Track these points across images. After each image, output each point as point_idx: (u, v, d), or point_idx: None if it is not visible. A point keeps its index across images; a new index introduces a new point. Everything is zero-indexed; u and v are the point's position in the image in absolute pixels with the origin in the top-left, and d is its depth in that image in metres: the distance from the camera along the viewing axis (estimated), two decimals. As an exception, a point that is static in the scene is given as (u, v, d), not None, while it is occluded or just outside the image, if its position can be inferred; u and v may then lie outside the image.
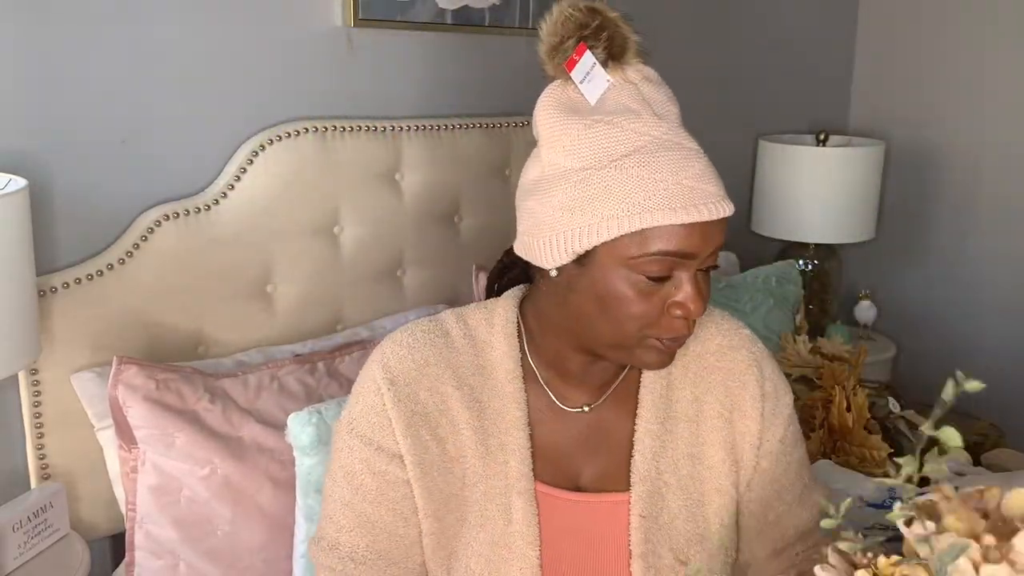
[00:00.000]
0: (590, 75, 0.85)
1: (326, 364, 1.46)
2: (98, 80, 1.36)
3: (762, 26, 2.44)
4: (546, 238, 0.86)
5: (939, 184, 2.61)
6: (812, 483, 1.02)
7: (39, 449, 1.33)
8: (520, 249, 0.92)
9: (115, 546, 1.46)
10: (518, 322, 0.96)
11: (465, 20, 1.74)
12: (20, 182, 1.16)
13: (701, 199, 0.82)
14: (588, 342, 0.90)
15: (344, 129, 1.58)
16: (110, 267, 1.37)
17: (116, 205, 1.40)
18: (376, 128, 1.62)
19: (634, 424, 0.95)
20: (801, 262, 2.37)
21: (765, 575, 0.99)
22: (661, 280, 0.84)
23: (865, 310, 2.50)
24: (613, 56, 0.86)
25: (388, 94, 1.68)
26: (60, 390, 1.33)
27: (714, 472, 0.96)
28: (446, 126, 1.73)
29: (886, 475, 1.74)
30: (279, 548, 1.32)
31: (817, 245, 2.41)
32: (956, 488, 0.57)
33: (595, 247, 0.84)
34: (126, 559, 1.30)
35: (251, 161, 1.49)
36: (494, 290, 1.04)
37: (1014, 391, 2.48)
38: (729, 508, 0.96)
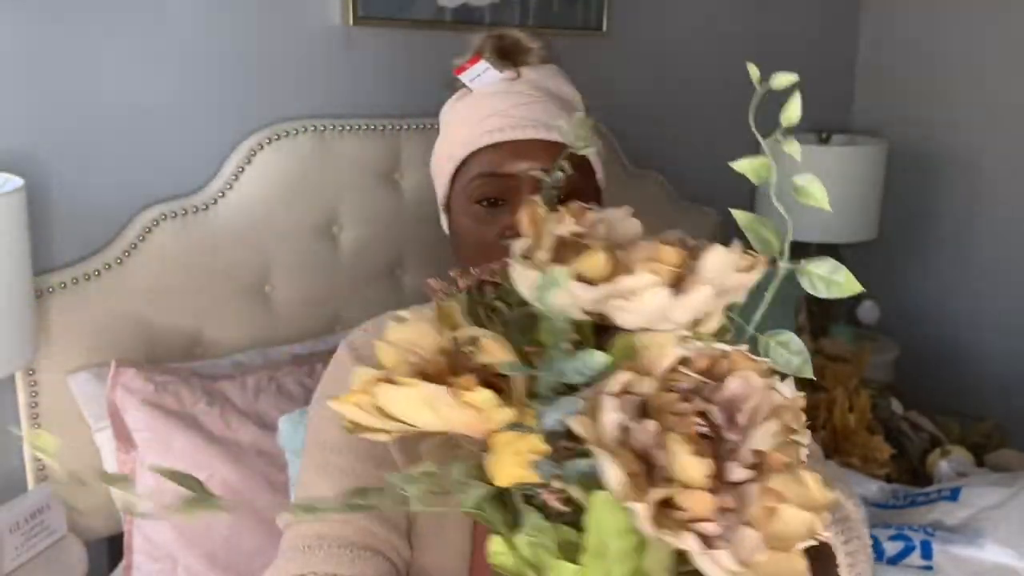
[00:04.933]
0: (480, 77, 0.96)
1: (325, 365, 1.45)
2: (95, 79, 1.35)
3: (763, 25, 2.43)
4: (439, 204, 1.00)
5: (942, 183, 2.60)
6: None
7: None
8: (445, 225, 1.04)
9: (112, 548, 1.45)
10: None
11: (465, 18, 1.73)
12: (17, 181, 1.16)
13: (514, 123, 0.90)
14: None
15: (343, 129, 1.58)
16: (107, 267, 1.36)
17: (113, 204, 1.39)
18: (375, 128, 1.62)
19: None
20: (802, 262, 2.36)
21: None
22: (493, 206, 0.91)
23: (867, 310, 2.49)
24: (502, 57, 0.97)
25: (387, 93, 1.68)
26: (57, 390, 1.32)
27: None
28: (446, 125, 1.72)
29: (889, 476, 1.73)
30: (277, 551, 1.31)
31: (819, 245, 2.40)
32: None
33: (449, 196, 0.96)
34: (124, 562, 1.30)
35: (249, 160, 1.48)
36: None
37: (1018, 392, 2.47)
38: None
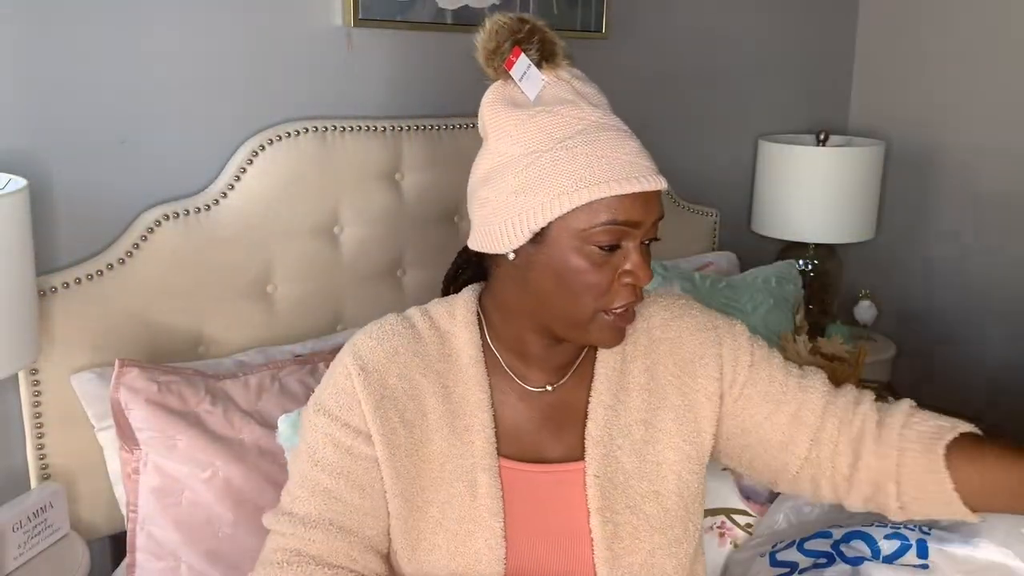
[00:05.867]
0: (527, 74, 0.94)
1: (327, 364, 1.45)
2: (98, 80, 1.36)
3: (762, 26, 2.44)
4: (502, 223, 0.93)
5: (939, 183, 2.61)
6: (802, 371, 1.08)
7: (39, 449, 1.33)
8: (475, 243, 0.98)
9: (115, 546, 1.46)
10: (478, 312, 1.03)
11: (465, 20, 1.74)
12: (20, 182, 1.17)
13: (640, 172, 0.90)
14: (547, 321, 0.96)
15: (344, 129, 1.58)
16: (110, 267, 1.37)
17: (116, 205, 1.40)
18: (376, 128, 1.62)
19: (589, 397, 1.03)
20: (801, 262, 2.37)
21: (819, 465, 1.03)
22: (611, 250, 0.91)
23: (865, 310, 2.50)
24: (545, 58, 0.94)
25: (388, 94, 1.69)
26: (60, 390, 1.33)
27: (667, 434, 1.02)
28: (446, 126, 1.72)
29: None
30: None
31: (817, 245, 2.41)
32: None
33: (549, 224, 0.91)
34: (127, 560, 1.30)
35: (251, 161, 1.49)
36: (448, 291, 1.11)
37: (1014, 391, 2.48)
38: (686, 464, 1.02)
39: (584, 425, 1.01)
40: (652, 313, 1.07)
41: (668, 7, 2.18)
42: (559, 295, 0.92)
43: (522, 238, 0.91)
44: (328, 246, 1.59)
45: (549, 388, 1.02)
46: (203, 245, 1.45)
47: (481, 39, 0.95)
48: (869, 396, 1.06)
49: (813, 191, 2.31)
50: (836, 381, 1.74)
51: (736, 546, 1.39)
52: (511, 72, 0.94)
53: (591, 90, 0.95)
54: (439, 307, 1.05)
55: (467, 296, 1.04)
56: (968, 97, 2.52)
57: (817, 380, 1.06)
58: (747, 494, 1.44)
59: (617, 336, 0.96)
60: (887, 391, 2.06)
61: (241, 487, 1.30)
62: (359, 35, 1.63)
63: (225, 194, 1.47)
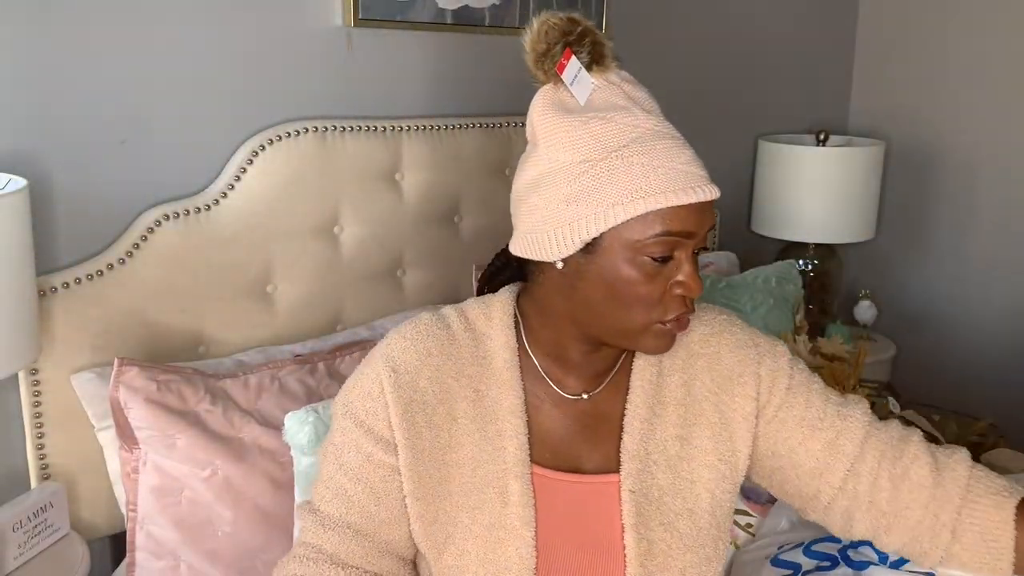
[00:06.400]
0: (577, 77, 0.92)
1: (326, 364, 1.46)
2: (98, 80, 1.36)
3: (762, 26, 2.44)
4: (552, 231, 0.91)
5: (939, 184, 2.61)
6: (844, 399, 1.05)
7: (39, 449, 1.33)
8: (519, 248, 0.96)
9: (115, 546, 1.46)
10: (515, 315, 1.01)
11: (465, 20, 1.74)
12: (20, 182, 1.17)
13: (695, 182, 0.89)
14: (595, 330, 0.94)
15: (344, 129, 1.58)
16: (110, 267, 1.37)
17: (116, 205, 1.40)
18: (376, 128, 1.62)
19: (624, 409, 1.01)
20: (801, 262, 2.37)
21: (862, 503, 1.00)
22: (664, 261, 0.89)
23: (865, 310, 2.50)
24: (595, 60, 0.92)
25: (388, 94, 1.69)
26: (60, 390, 1.33)
27: (702, 451, 1.00)
28: (446, 126, 1.73)
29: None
30: (279, 549, 1.32)
31: (817, 245, 2.41)
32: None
33: (602, 234, 0.89)
34: (127, 559, 1.30)
35: (251, 161, 1.49)
36: (484, 291, 1.08)
37: (1014, 391, 2.48)
38: (720, 483, 1.00)
39: (619, 437, 0.99)
40: (692, 328, 1.03)
41: (668, 7, 2.18)
42: (609, 305, 0.91)
43: (573, 247, 0.90)
44: (328, 246, 1.59)
45: (584, 396, 1.00)
46: (203, 245, 1.45)
47: (530, 40, 0.92)
48: (917, 434, 1.02)
49: (813, 191, 2.31)
50: (836, 381, 1.74)
51: (737, 546, 1.39)
52: (562, 76, 0.91)
53: (642, 94, 0.93)
54: (475, 307, 1.02)
55: (505, 297, 1.01)
56: (968, 97, 2.52)
57: (858, 409, 1.03)
58: (748, 494, 1.44)
59: (669, 343, 0.94)
60: (887, 391, 2.06)
61: (240, 486, 1.30)
62: (359, 35, 1.63)
63: (225, 194, 1.47)
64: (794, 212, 2.32)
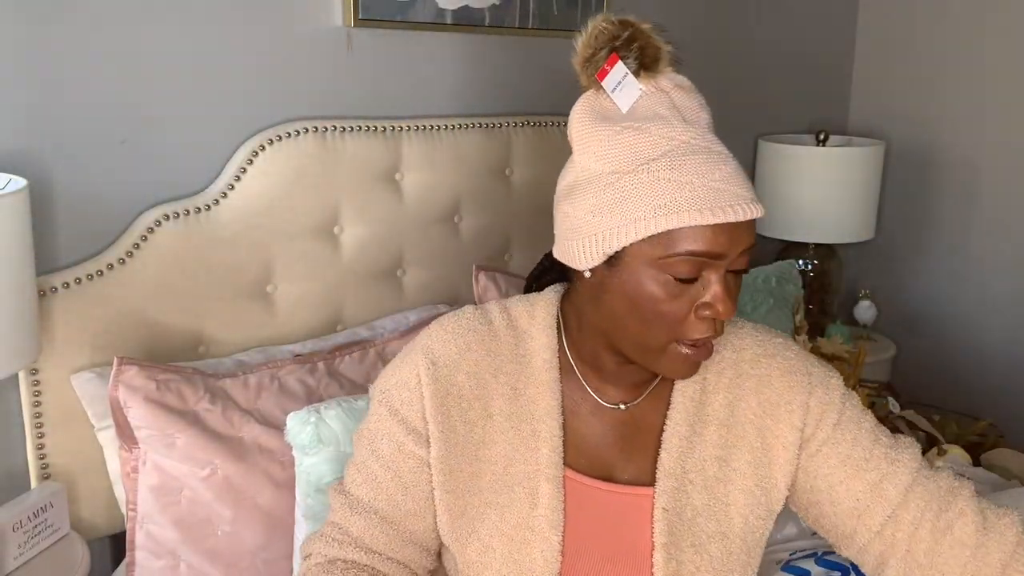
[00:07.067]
0: (621, 84, 0.88)
1: (326, 364, 1.46)
2: (98, 80, 1.36)
3: (762, 26, 2.44)
4: (579, 240, 0.90)
5: (939, 184, 2.61)
6: (895, 440, 1.00)
7: (39, 449, 1.33)
8: (557, 252, 0.95)
9: (115, 546, 1.46)
10: (558, 316, 1.00)
11: (465, 20, 1.74)
12: (20, 182, 1.17)
13: (728, 200, 0.84)
14: (618, 343, 0.92)
15: (344, 129, 1.58)
16: (110, 267, 1.37)
17: (116, 205, 1.40)
18: (376, 128, 1.63)
19: (664, 422, 0.98)
20: (801, 262, 2.37)
21: (898, 548, 0.96)
22: (689, 281, 0.86)
23: (865, 310, 2.50)
24: (645, 66, 0.89)
25: (388, 94, 1.69)
26: (60, 390, 1.33)
27: (740, 474, 0.97)
28: (446, 126, 1.73)
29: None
30: (279, 548, 1.32)
31: (817, 245, 2.41)
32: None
33: (624, 248, 0.86)
34: (127, 559, 1.31)
35: (251, 161, 1.49)
36: (532, 289, 1.07)
37: (1013, 391, 2.48)
38: (755, 509, 0.97)
39: (656, 451, 0.97)
40: (745, 346, 1.01)
41: (667, 7, 2.18)
42: (631, 320, 0.89)
43: (596, 259, 0.88)
44: (328, 246, 1.59)
45: (623, 407, 0.98)
46: (203, 245, 1.45)
47: (580, 44, 0.90)
48: (968, 488, 0.97)
49: (813, 191, 2.31)
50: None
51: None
52: (603, 83, 0.89)
53: (691, 103, 0.90)
54: (519, 305, 1.01)
55: (549, 297, 1.00)
56: (968, 97, 2.52)
57: (907, 454, 0.98)
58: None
59: (690, 369, 0.91)
60: (887, 391, 2.06)
61: (240, 486, 1.30)
62: (359, 35, 1.63)
63: (225, 194, 1.47)
64: (794, 212, 2.32)
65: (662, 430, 0.97)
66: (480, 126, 1.78)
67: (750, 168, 2.48)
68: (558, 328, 0.99)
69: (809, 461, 0.98)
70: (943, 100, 2.57)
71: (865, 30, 2.71)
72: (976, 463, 1.83)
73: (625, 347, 0.92)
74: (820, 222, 2.32)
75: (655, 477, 0.96)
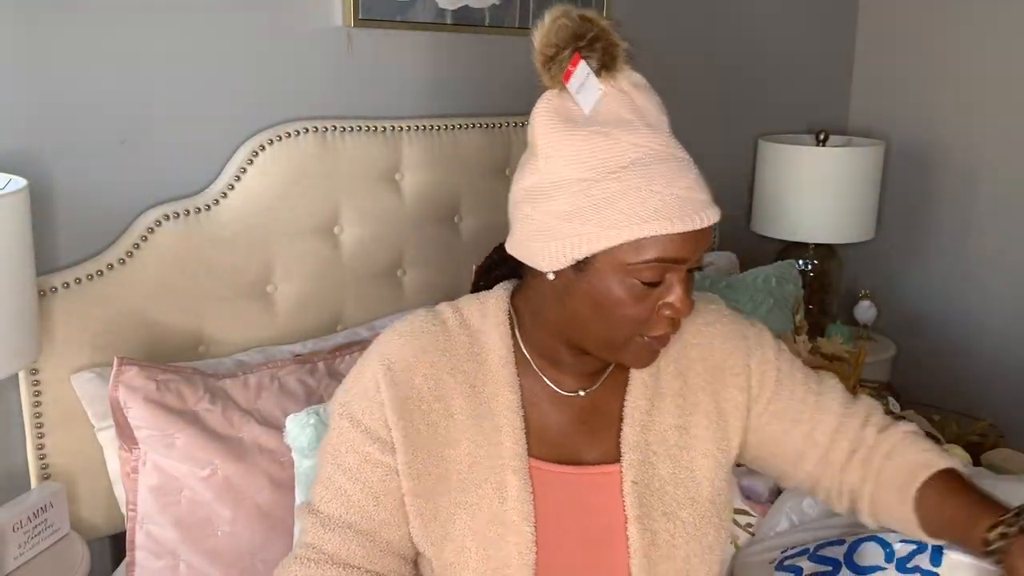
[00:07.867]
0: (584, 85, 0.89)
1: (326, 364, 1.46)
2: (98, 80, 1.36)
3: (762, 26, 2.44)
4: (545, 243, 0.90)
5: (939, 184, 2.61)
6: (819, 384, 1.08)
7: (39, 449, 1.33)
8: (515, 250, 0.96)
9: (115, 546, 1.46)
10: (510, 312, 1.01)
11: (465, 20, 1.74)
12: (20, 182, 1.17)
13: (692, 208, 0.87)
14: (579, 341, 0.95)
15: (344, 129, 1.58)
16: (110, 267, 1.37)
17: (116, 205, 1.40)
18: (376, 128, 1.63)
19: (623, 402, 1.01)
20: (801, 262, 2.37)
21: (824, 483, 1.07)
22: (654, 284, 0.89)
23: (865, 310, 2.50)
24: (605, 65, 0.89)
25: (388, 94, 1.69)
26: (60, 390, 1.33)
27: (700, 440, 1.02)
28: (446, 126, 1.73)
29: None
30: (279, 549, 1.32)
31: (817, 245, 2.41)
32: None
33: (594, 254, 0.88)
34: (127, 559, 1.31)
35: (251, 161, 1.49)
36: (480, 285, 1.08)
37: (1013, 391, 2.48)
38: (718, 471, 1.02)
39: (618, 430, 1.00)
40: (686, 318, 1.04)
41: (668, 7, 2.18)
42: (595, 321, 0.91)
43: (564, 263, 0.89)
44: (328, 246, 1.59)
45: (582, 393, 1.01)
46: (203, 245, 1.45)
47: (539, 39, 0.89)
48: (877, 411, 1.08)
49: (813, 191, 2.31)
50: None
51: (737, 547, 1.39)
52: (568, 84, 0.89)
53: (651, 105, 0.91)
54: (471, 304, 1.02)
55: (499, 294, 1.02)
56: (968, 97, 2.52)
57: (830, 399, 1.06)
58: (748, 494, 1.44)
59: (651, 358, 0.95)
60: (887, 391, 2.06)
61: (240, 486, 1.30)
62: (359, 35, 1.63)
63: (225, 194, 1.47)
64: (794, 212, 2.32)
65: (622, 409, 1.01)
66: (480, 126, 1.78)
67: (750, 168, 2.48)
68: (511, 324, 1.01)
69: (758, 420, 1.05)
70: (943, 100, 2.57)
71: (865, 30, 2.71)
72: (976, 463, 1.83)
73: (587, 344, 0.94)
74: (820, 222, 2.33)
75: (620, 453, 0.99)
